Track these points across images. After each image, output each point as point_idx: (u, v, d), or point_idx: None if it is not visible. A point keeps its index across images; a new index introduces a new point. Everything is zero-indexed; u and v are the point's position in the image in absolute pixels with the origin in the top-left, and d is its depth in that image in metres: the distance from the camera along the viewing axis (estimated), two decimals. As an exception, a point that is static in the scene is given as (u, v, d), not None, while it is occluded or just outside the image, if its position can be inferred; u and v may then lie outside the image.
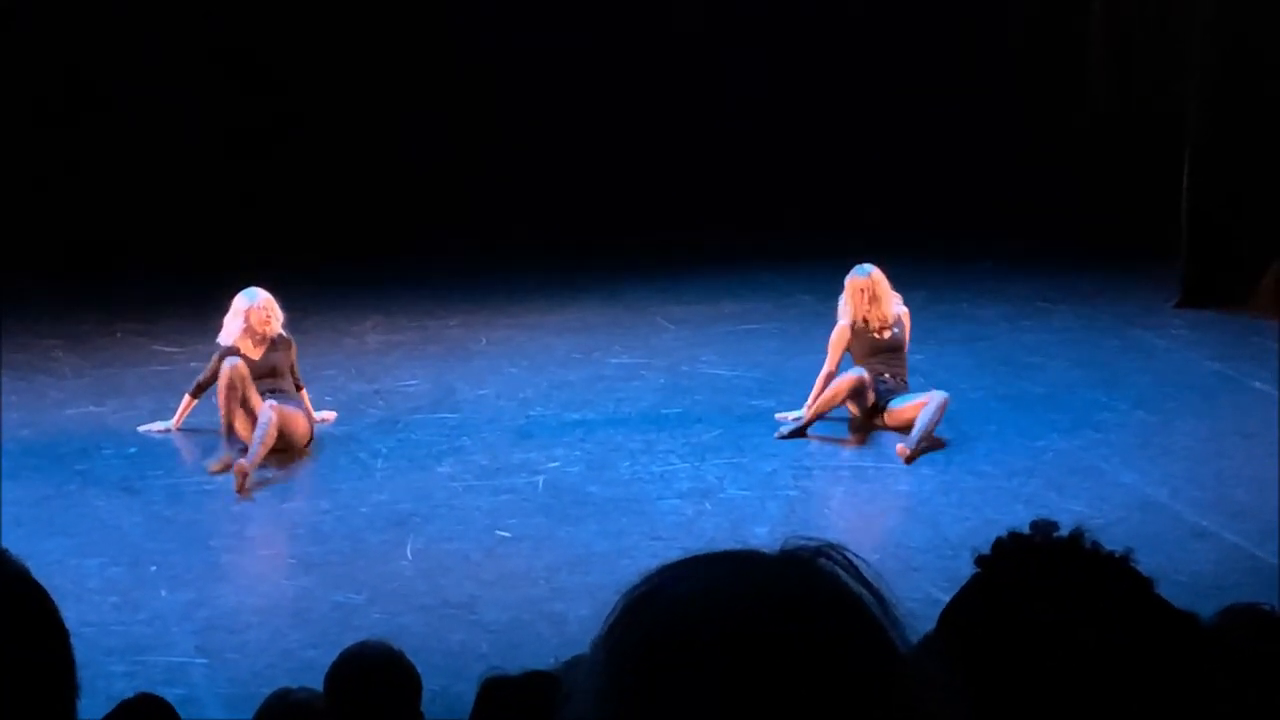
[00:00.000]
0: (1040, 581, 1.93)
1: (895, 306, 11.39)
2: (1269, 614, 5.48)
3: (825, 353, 11.29)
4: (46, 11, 15.15)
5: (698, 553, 1.56)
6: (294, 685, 5.68)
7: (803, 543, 1.54)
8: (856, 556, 1.53)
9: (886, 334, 11.31)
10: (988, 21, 16.53)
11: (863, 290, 11.28)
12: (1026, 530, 1.98)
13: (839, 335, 11.32)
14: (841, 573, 1.52)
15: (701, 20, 16.26)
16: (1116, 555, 1.96)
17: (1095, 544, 1.96)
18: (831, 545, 1.53)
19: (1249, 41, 13.82)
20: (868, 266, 11.39)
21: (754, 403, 11.73)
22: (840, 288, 11.40)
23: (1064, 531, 1.98)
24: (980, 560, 1.97)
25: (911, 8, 16.55)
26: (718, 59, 16.15)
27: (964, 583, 1.98)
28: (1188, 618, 2.09)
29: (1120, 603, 1.93)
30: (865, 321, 11.26)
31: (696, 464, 10.71)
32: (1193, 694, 1.95)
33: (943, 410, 10.92)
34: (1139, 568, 1.97)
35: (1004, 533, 1.98)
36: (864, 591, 1.51)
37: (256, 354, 11.08)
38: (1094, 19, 15.83)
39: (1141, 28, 15.37)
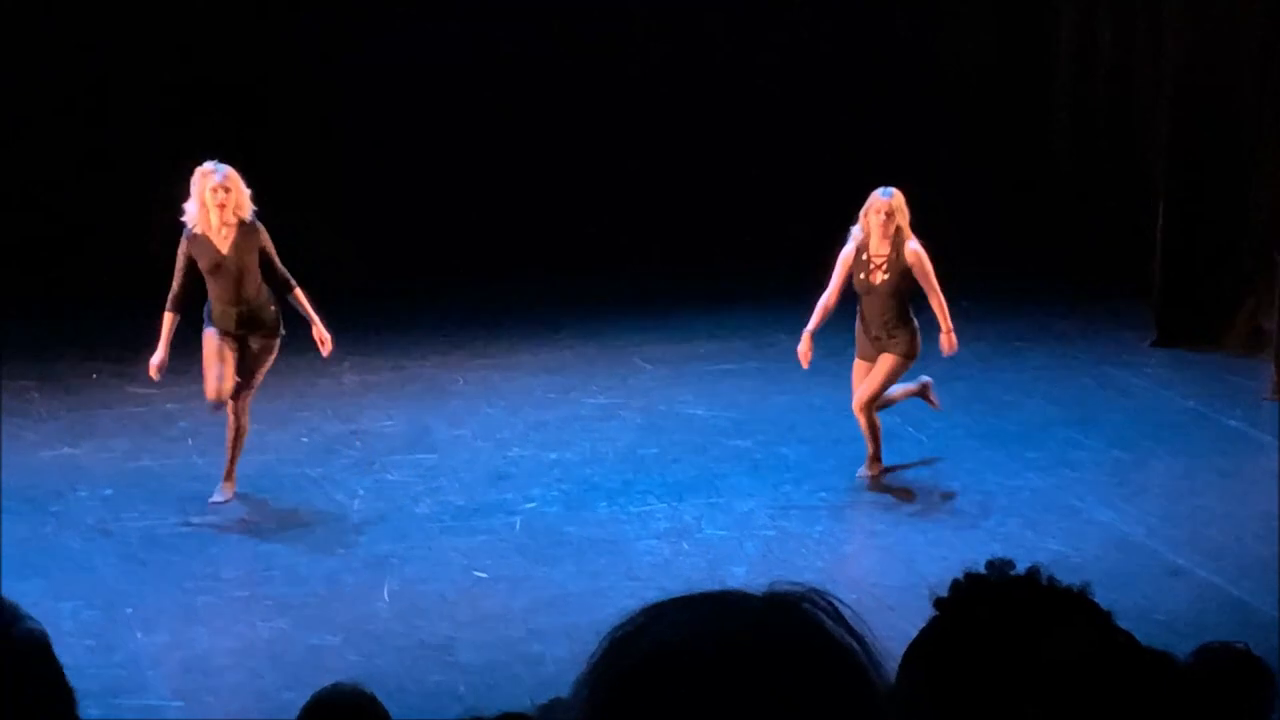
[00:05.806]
0: (998, 619, 1.93)
1: (909, 244, 10.58)
2: (1243, 653, 5.49)
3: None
4: (16, 40, 15.11)
5: (682, 594, 1.55)
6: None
7: (788, 587, 1.53)
8: (841, 602, 1.52)
9: (877, 277, 10.69)
10: (958, 59, 16.58)
11: (877, 211, 10.59)
12: (983, 570, 1.98)
13: (842, 259, 10.71)
14: (826, 619, 1.51)
15: (680, 57, 16.28)
16: (1075, 589, 1.96)
17: (1051, 579, 1.96)
18: (816, 590, 1.53)
19: (1219, 84, 13.89)
20: (891, 189, 10.67)
21: (731, 443, 11.72)
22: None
23: (1022, 569, 1.98)
24: (939, 602, 1.97)
25: (882, 45, 16.59)
26: (697, 95, 16.17)
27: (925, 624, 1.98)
28: (1162, 656, 2.09)
29: (1079, 636, 1.93)
30: (865, 252, 10.64)
31: (674, 504, 10.70)
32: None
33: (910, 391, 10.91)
34: (1097, 600, 1.97)
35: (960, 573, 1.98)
36: (848, 638, 1.50)
37: (225, 245, 10.30)
38: (1061, 55, 15.88)
39: (1111, 68, 15.42)
